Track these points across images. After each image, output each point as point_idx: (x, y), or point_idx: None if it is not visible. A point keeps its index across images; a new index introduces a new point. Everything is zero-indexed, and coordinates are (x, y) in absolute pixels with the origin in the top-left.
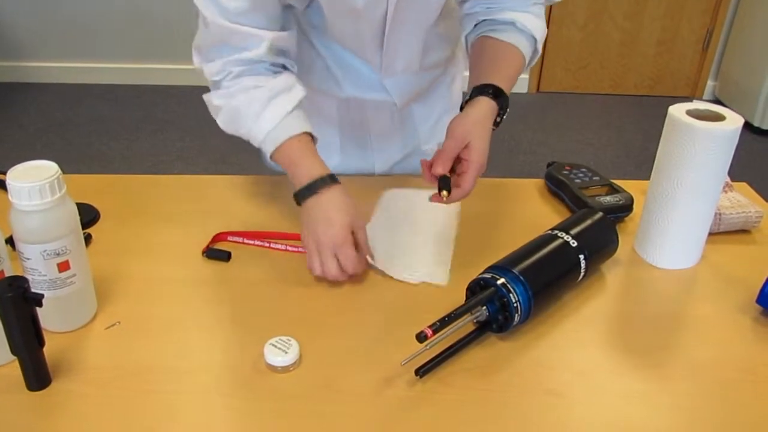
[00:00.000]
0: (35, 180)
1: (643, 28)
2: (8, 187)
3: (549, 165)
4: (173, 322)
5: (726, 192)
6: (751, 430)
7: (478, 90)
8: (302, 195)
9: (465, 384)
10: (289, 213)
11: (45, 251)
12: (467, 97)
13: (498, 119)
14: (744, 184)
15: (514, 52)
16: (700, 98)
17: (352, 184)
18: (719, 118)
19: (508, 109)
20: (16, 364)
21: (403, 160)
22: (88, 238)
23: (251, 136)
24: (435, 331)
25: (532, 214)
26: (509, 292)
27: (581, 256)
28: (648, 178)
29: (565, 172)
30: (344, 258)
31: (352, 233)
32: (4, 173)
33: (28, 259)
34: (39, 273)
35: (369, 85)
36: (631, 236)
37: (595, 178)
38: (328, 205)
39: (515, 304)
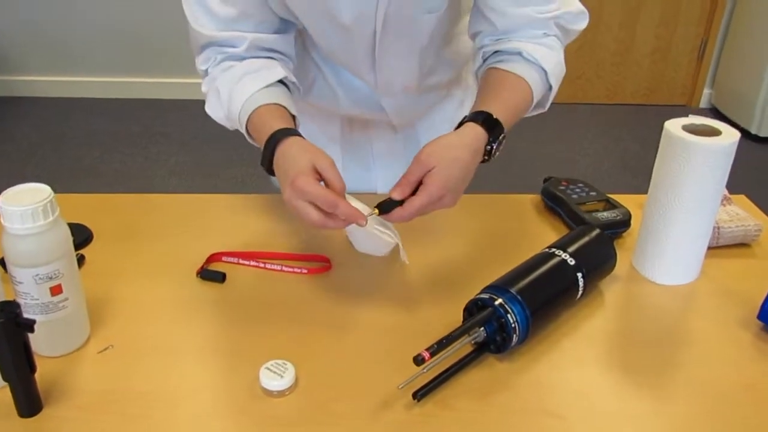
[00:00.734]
0: (28, 204)
1: (637, 37)
2: (1, 210)
3: (545, 180)
4: (167, 346)
5: (724, 205)
6: None
7: (470, 117)
8: (264, 162)
9: (464, 406)
10: (286, 232)
11: (37, 275)
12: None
13: (488, 147)
14: (742, 196)
15: (517, 82)
16: (697, 106)
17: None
18: (715, 132)
19: (503, 140)
20: (8, 390)
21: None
22: (80, 260)
23: (232, 118)
24: (432, 354)
25: (528, 231)
26: (507, 312)
27: (579, 274)
28: (646, 188)
29: (562, 187)
30: (315, 199)
31: (318, 172)
32: None
33: (21, 283)
34: (31, 297)
35: (367, 104)
36: (630, 252)
37: (592, 193)
38: (283, 159)
39: (513, 325)
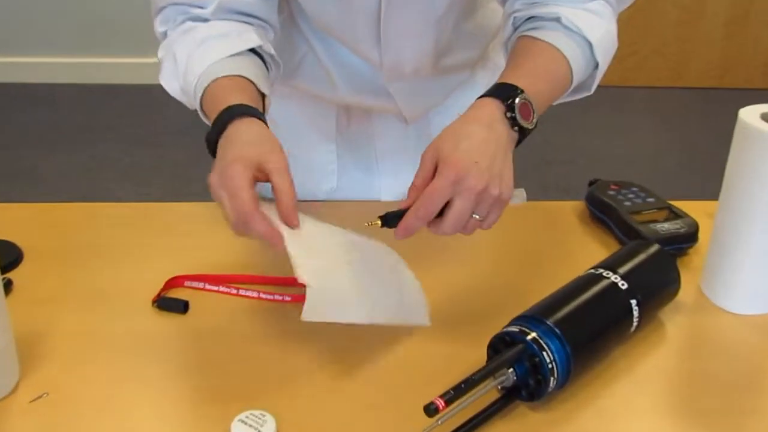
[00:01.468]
0: None
1: (707, 4)
2: None
3: (591, 183)
4: (115, 392)
5: None
6: None
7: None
8: (210, 139)
9: None
10: (265, 250)
11: None
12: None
13: (510, 114)
14: None
15: (550, 53)
16: None
17: (350, 211)
18: None
19: (531, 105)
20: None
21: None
22: (8, 285)
23: (187, 90)
24: (449, 402)
25: (569, 247)
26: (542, 349)
27: (633, 301)
28: (717, 192)
29: (612, 192)
30: (232, 198)
31: (261, 171)
32: None
33: None
34: None
35: (371, 90)
36: (697, 273)
37: (649, 199)
38: (230, 140)
39: (550, 365)
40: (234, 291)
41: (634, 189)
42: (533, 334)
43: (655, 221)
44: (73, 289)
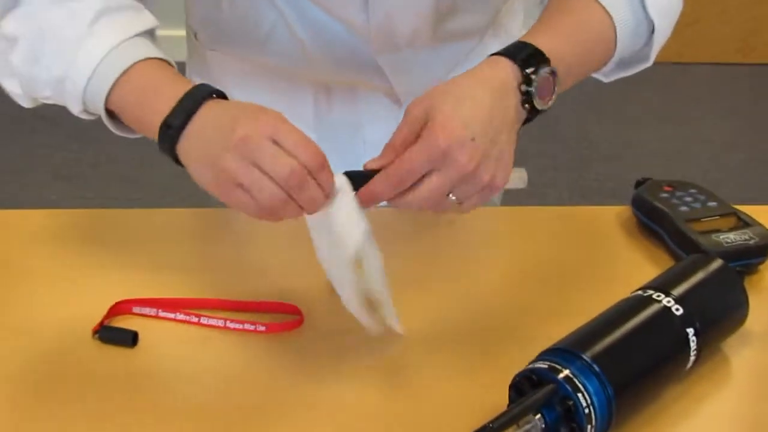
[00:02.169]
0: None
1: None
2: None
3: (639, 183)
4: None
5: None
6: None
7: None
8: (173, 125)
9: None
10: (233, 266)
11: None
12: None
13: (524, 88)
14: None
15: (589, 10)
16: None
17: None
18: None
19: (544, 69)
20: None
21: None
22: None
23: (69, 75)
24: None
25: (611, 263)
26: (577, 390)
27: (690, 330)
28: None
29: (664, 194)
30: (298, 148)
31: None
32: None
33: None
34: None
35: (355, 63)
36: None
37: (711, 203)
38: (218, 115)
39: (587, 410)
40: (194, 319)
41: (692, 191)
42: (566, 372)
43: (719, 231)
44: None
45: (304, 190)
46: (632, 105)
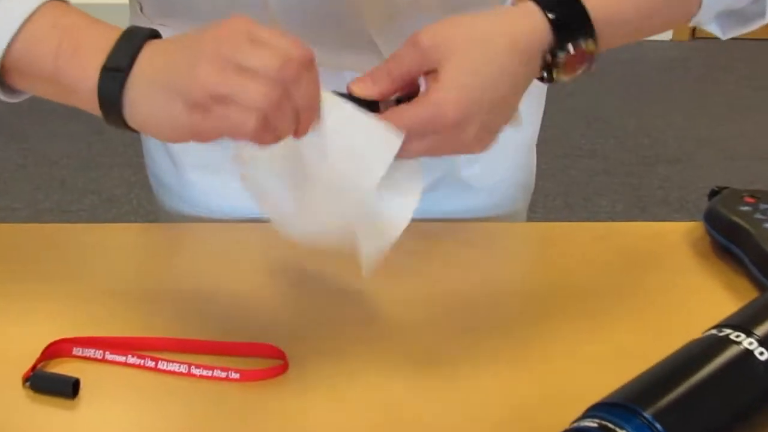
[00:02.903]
0: None
1: None
2: None
3: (713, 194)
4: None
5: None
6: None
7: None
8: (119, 64)
9: None
10: (195, 296)
11: None
12: None
13: (553, 56)
14: None
15: None
16: None
17: None
18: None
19: (585, 40)
20: None
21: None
22: None
23: None
24: None
25: (678, 292)
26: None
27: None
28: None
29: (745, 207)
30: (267, 36)
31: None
32: None
33: None
34: None
35: (343, 40)
36: None
37: None
38: (173, 42)
39: None
40: (150, 363)
41: None
42: None
43: None
44: None
45: (301, 83)
46: (706, 91)
